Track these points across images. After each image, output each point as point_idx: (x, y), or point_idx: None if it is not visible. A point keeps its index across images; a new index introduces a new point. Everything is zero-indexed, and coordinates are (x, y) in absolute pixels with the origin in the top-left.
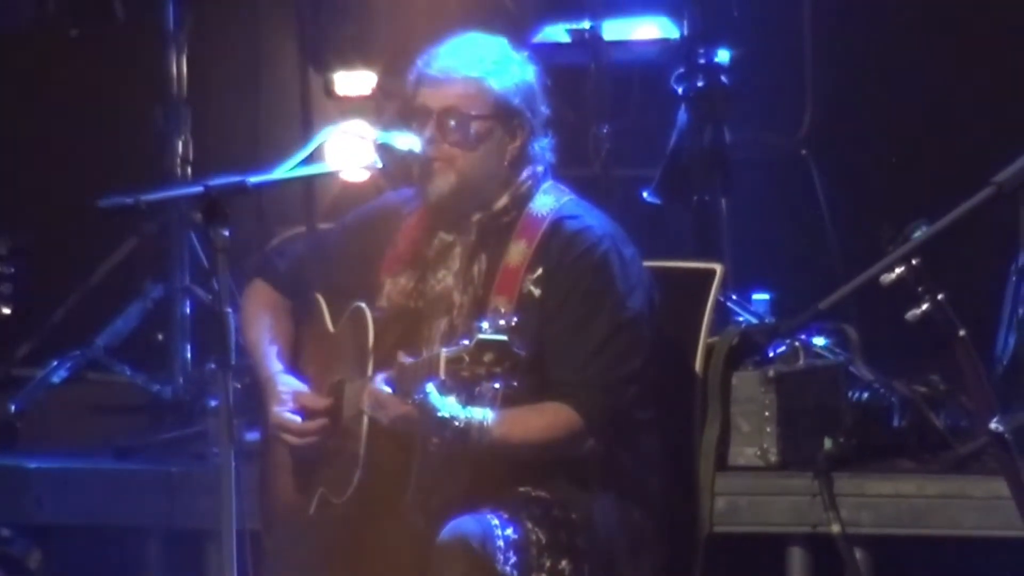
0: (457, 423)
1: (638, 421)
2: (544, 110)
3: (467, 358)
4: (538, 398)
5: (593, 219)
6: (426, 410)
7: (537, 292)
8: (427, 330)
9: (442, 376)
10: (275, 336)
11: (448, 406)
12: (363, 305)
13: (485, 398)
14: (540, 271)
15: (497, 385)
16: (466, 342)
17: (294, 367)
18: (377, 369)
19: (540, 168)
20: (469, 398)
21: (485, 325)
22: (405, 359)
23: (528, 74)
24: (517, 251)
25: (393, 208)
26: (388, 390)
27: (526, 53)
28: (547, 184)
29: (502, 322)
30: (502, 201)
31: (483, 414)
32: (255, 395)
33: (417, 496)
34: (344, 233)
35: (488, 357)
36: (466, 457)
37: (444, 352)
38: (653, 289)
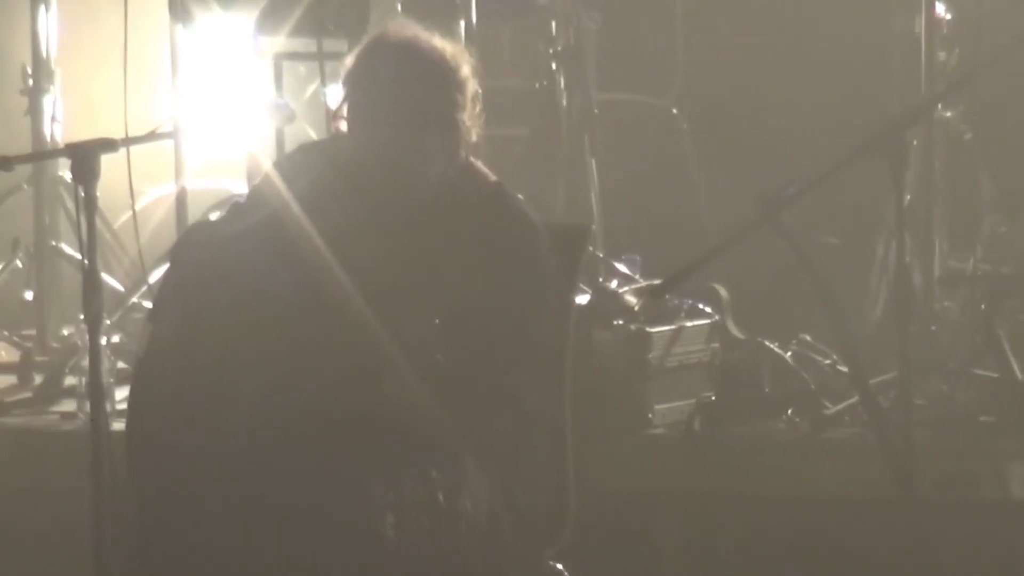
0: None
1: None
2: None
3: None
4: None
5: (521, 221)
6: None
7: (459, 284)
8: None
9: None
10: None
11: None
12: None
13: None
14: (463, 264)
15: None
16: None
17: None
18: None
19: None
20: None
21: (409, 329)
22: None
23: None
24: (448, 244)
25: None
26: None
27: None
28: (465, 162)
29: (426, 326)
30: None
31: None
32: None
33: None
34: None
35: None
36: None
37: None
38: (571, 300)
